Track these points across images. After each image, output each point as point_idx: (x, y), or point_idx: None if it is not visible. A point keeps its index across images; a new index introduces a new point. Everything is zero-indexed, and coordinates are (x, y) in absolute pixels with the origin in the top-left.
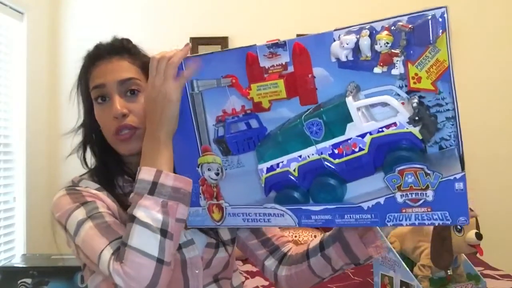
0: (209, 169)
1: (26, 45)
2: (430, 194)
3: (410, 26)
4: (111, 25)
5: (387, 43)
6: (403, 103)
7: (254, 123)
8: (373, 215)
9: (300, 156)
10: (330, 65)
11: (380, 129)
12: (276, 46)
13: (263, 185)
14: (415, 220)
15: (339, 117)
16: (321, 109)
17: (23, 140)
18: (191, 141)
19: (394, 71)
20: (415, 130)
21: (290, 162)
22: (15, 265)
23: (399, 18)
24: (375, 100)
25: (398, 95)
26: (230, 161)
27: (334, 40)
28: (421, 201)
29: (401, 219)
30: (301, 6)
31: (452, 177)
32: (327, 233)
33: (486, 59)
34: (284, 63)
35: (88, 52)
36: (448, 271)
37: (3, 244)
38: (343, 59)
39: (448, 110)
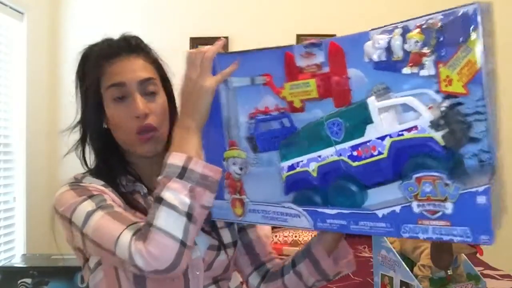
0: (234, 164)
1: (26, 45)
2: (449, 207)
3: (440, 24)
4: (111, 25)
5: (417, 41)
6: (430, 107)
7: (286, 122)
8: (388, 224)
9: (319, 156)
10: (364, 66)
11: (400, 132)
12: (312, 45)
13: (283, 183)
14: (433, 234)
15: (360, 118)
16: (340, 108)
17: (23, 140)
18: (219, 135)
19: (423, 72)
20: (437, 135)
21: (310, 162)
22: (15, 265)
23: (432, 16)
24: (396, 101)
25: (434, 99)
26: (259, 158)
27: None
28: (439, 214)
29: (417, 231)
30: (301, 6)
31: (474, 189)
32: (298, 252)
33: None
34: (319, 63)
35: (98, 47)
36: (448, 271)
37: (3, 244)
38: (376, 59)
39: (486, 119)
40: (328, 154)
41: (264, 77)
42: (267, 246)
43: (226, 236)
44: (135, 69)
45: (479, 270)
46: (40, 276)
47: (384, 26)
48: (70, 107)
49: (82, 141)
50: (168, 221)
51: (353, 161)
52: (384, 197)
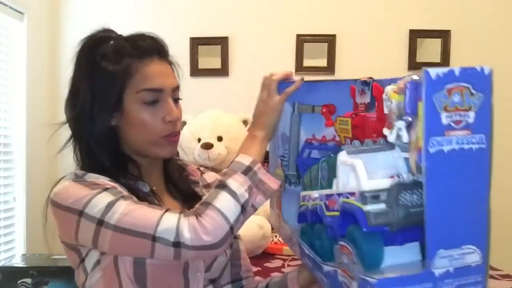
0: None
1: (26, 45)
2: (355, 286)
3: (404, 86)
4: (111, 25)
5: (391, 102)
6: (394, 176)
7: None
8: (328, 280)
9: (310, 196)
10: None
11: (347, 195)
12: (364, 84)
13: (298, 212)
14: None
15: (333, 168)
16: (331, 154)
17: (23, 140)
18: (277, 152)
19: (389, 137)
20: (365, 208)
21: (309, 199)
22: (15, 265)
23: (412, 76)
24: (347, 161)
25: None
26: (294, 183)
27: None
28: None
29: None
30: (301, 6)
31: (368, 279)
32: (275, 278)
33: (483, 60)
34: (366, 103)
35: (120, 42)
36: None
37: (3, 244)
38: (386, 111)
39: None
40: (314, 196)
41: (323, 107)
42: (248, 261)
43: None
44: (169, 74)
45: None
46: (40, 276)
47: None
48: None
49: (79, 138)
50: (227, 205)
51: (327, 211)
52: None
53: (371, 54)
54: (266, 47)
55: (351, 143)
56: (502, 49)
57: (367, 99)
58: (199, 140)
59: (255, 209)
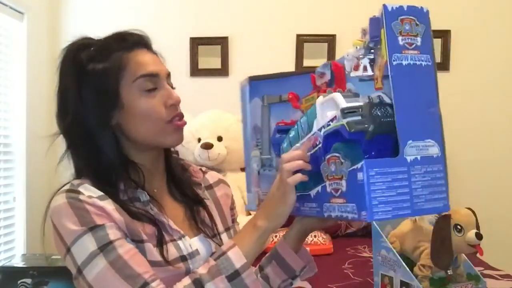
0: (254, 161)
1: (26, 45)
2: (344, 184)
3: (367, 27)
4: (111, 25)
5: (357, 47)
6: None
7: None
8: (315, 204)
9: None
10: (353, 80)
11: (328, 123)
12: (323, 66)
13: None
14: (338, 212)
15: (313, 115)
16: (310, 109)
17: (23, 140)
18: (251, 141)
19: (353, 73)
20: (344, 121)
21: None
22: (15, 265)
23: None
24: (328, 97)
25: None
26: (272, 160)
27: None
28: (339, 192)
29: (330, 210)
30: (301, 6)
31: (355, 166)
32: (266, 256)
33: (483, 60)
34: (327, 81)
35: (103, 41)
36: (448, 271)
37: (3, 244)
38: (348, 70)
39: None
40: (298, 146)
41: (288, 94)
42: None
43: (226, 241)
44: (159, 61)
45: (479, 270)
46: (40, 276)
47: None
48: None
49: (77, 145)
50: None
51: (308, 151)
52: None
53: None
54: (266, 47)
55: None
56: (502, 49)
57: (327, 78)
58: (199, 140)
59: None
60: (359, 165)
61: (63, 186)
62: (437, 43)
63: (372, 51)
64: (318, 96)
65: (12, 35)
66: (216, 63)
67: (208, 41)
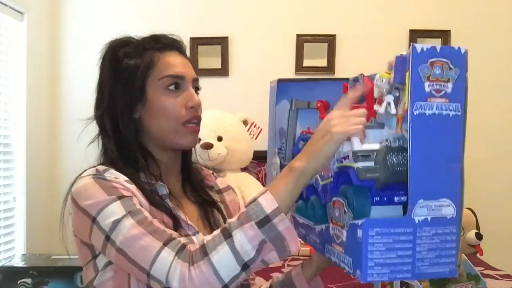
0: (274, 169)
1: (26, 45)
2: (344, 234)
3: (392, 64)
4: (111, 25)
5: (382, 80)
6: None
7: None
8: (319, 240)
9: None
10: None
11: (341, 159)
12: (355, 80)
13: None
14: (336, 258)
15: None
16: None
17: (23, 140)
18: (274, 143)
19: (377, 108)
20: (355, 165)
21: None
22: (15, 265)
23: (399, 56)
24: None
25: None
26: None
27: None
28: (339, 239)
29: (331, 253)
30: (301, 6)
31: (357, 222)
32: (276, 279)
33: (483, 60)
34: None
35: (140, 40)
36: None
37: (3, 244)
38: (375, 95)
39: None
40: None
41: (318, 102)
42: None
43: None
44: (189, 66)
45: (479, 270)
46: (40, 276)
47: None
48: (70, 107)
49: (105, 132)
50: (226, 263)
51: (321, 180)
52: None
53: (371, 54)
54: (266, 47)
55: None
56: (502, 49)
57: (358, 93)
58: (199, 140)
59: (268, 264)
60: (359, 222)
61: (85, 170)
62: (437, 43)
63: (398, 88)
64: None
65: (12, 35)
66: (216, 63)
67: (208, 41)
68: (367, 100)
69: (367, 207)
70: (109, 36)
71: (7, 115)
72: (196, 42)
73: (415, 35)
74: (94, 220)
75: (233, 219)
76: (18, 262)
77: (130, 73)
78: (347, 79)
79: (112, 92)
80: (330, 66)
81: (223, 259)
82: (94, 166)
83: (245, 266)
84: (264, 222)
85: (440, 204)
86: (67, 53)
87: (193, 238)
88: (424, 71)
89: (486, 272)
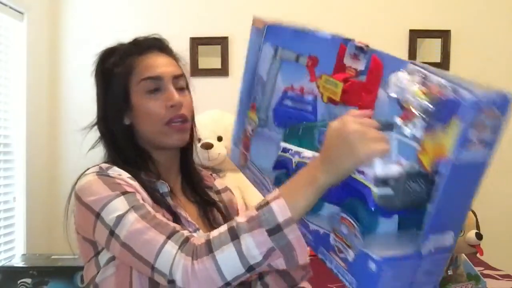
0: (249, 124)
1: (26, 45)
2: (351, 255)
3: (442, 94)
4: (111, 25)
5: (419, 99)
6: (400, 163)
7: (308, 107)
8: (313, 238)
9: (301, 154)
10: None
11: (355, 171)
12: (360, 50)
13: (276, 159)
14: (335, 268)
15: None
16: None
17: (23, 140)
18: (249, 92)
19: (406, 131)
20: (375, 191)
21: (295, 155)
22: (15, 265)
23: (443, 82)
24: None
25: (409, 158)
26: (270, 130)
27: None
28: (343, 255)
29: (326, 258)
30: (301, 6)
31: (370, 253)
32: None
33: (483, 60)
34: (358, 70)
35: (123, 46)
36: (448, 271)
37: (3, 244)
38: (393, 95)
39: (432, 198)
40: (308, 155)
41: (307, 60)
42: None
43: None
44: (169, 64)
45: (479, 270)
46: (40, 276)
47: (422, 64)
48: (70, 107)
49: (104, 138)
50: (229, 263)
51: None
52: (322, 214)
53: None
54: None
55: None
56: (502, 49)
57: (360, 66)
58: (199, 140)
59: (273, 268)
60: (374, 256)
61: (89, 168)
62: (437, 43)
63: (433, 118)
64: (344, 86)
65: (12, 35)
66: (216, 63)
67: (208, 41)
68: (369, 81)
69: (374, 225)
70: (109, 36)
71: (7, 115)
72: (196, 42)
73: (415, 35)
74: (98, 215)
75: (242, 220)
76: (18, 262)
77: (115, 81)
78: (346, 40)
79: (103, 102)
80: None
81: (228, 259)
82: (98, 165)
83: (250, 268)
84: (275, 230)
85: (444, 237)
86: (67, 53)
87: (194, 234)
88: (475, 120)
89: (486, 272)
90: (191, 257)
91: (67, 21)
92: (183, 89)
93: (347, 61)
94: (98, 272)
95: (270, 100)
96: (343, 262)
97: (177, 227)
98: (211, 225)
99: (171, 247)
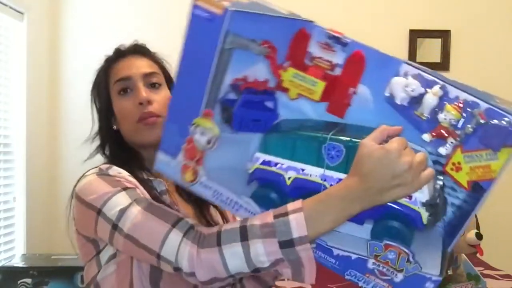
0: (202, 134)
1: (26, 45)
2: (400, 277)
3: (486, 119)
4: (111, 25)
5: (452, 119)
6: None
7: (269, 105)
8: (338, 262)
9: (303, 170)
10: (379, 92)
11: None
12: (336, 40)
13: (250, 172)
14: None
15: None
16: (351, 139)
17: (23, 140)
18: (199, 95)
19: (441, 150)
20: (424, 215)
21: (289, 169)
22: (15, 265)
23: (478, 102)
24: None
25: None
26: (231, 137)
27: (398, 73)
28: (388, 277)
29: (360, 279)
30: (301, 6)
31: (428, 275)
32: None
33: (483, 60)
34: (333, 63)
35: (108, 56)
36: (448, 271)
37: (3, 244)
38: (398, 101)
39: (468, 211)
40: (313, 172)
41: (267, 49)
42: None
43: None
44: (140, 65)
45: (479, 270)
46: (40, 276)
47: (421, 67)
48: (70, 107)
49: (103, 145)
50: (235, 261)
51: None
52: (343, 230)
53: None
54: None
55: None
56: (502, 49)
57: (335, 59)
58: None
59: (280, 274)
60: (434, 278)
61: (89, 170)
62: (437, 43)
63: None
64: (326, 87)
65: (12, 35)
66: None
67: None
68: (347, 75)
69: (415, 244)
70: (109, 36)
71: (7, 115)
72: None
73: (415, 35)
74: (99, 212)
75: (256, 222)
76: (18, 262)
77: (101, 91)
78: (308, 22)
79: (97, 113)
80: None
81: (235, 257)
82: (97, 166)
83: (255, 270)
84: (287, 244)
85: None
86: (67, 53)
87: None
88: None
89: (486, 272)
90: (196, 245)
91: (67, 21)
92: (157, 85)
93: (314, 50)
94: (99, 271)
95: (220, 98)
96: (387, 283)
97: (181, 215)
98: (208, 223)
99: (176, 235)
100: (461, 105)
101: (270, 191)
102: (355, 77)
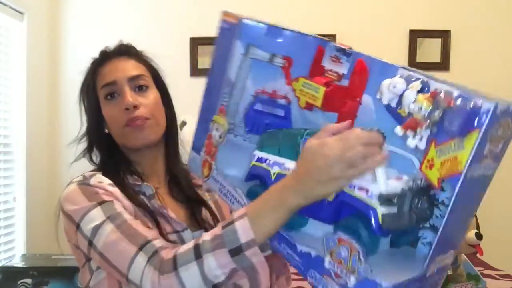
0: (216, 129)
1: (26, 45)
2: (352, 281)
3: (451, 103)
4: (111, 25)
5: (421, 108)
6: (400, 178)
7: (282, 114)
8: (301, 261)
9: (283, 164)
10: (377, 100)
11: (352, 186)
12: (342, 52)
13: (249, 169)
14: None
15: None
16: None
17: (23, 140)
18: (217, 95)
19: (410, 142)
20: (379, 210)
21: (274, 165)
22: (15, 265)
23: (452, 91)
24: None
25: (410, 173)
26: (241, 136)
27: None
28: (342, 281)
29: (320, 283)
30: (301, 6)
31: (378, 281)
32: None
33: (483, 60)
34: (340, 74)
35: (94, 59)
36: (448, 271)
37: (3, 244)
38: (384, 102)
39: (437, 217)
40: (290, 166)
41: (284, 61)
42: None
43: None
44: (125, 68)
45: (479, 270)
46: (40, 276)
47: (415, 71)
48: (70, 107)
49: (90, 148)
50: (193, 281)
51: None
52: (310, 230)
53: (371, 54)
54: None
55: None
56: (502, 49)
57: (342, 69)
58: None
59: (239, 286)
60: (385, 284)
61: (77, 177)
62: (437, 43)
63: (441, 125)
64: (326, 93)
65: (12, 35)
66: None
67: (208, 41)
68: (352, 85)
69: (375, 246)
70: (109, 36)
71: (7, 115)
72: (196, 42)
73: (415, 35)
74: (78, 226)
75: (207, 238)
76: (18, 262)
77: (87, 90)
78: (324, 41)
79: (86, 116)
80: None
81: (192, 277)
82: (83, 174)
83: (214, 287)
84: (237, 251)
85: (446, 256)
86: (67, 53)
87: (182, 234)
88: (492, 133)
89: (486, 272)
90: (158, 271)
91: (67, 21)
92: (144, 88)
93: (327, 63)
94: (91, 277)
95: (239, 104)
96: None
97: (151, 236)
98: (200, 224)
99: (141, 259)
100: (431, 94)
101: (260, 187)
102: (359, 87)
